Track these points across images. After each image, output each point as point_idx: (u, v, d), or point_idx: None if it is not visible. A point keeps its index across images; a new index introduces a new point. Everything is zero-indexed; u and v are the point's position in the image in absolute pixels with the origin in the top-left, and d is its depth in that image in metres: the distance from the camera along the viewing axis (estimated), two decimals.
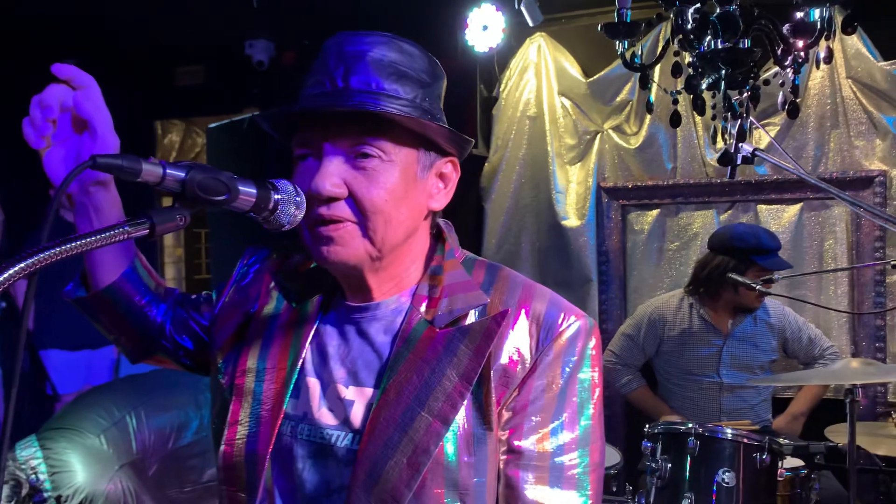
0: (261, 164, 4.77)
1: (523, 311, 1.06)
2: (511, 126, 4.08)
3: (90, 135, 1.08)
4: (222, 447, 1.08)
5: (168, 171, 0.91)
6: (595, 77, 3.91)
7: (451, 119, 1.08)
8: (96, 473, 2.11)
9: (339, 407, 1.06)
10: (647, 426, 2.64)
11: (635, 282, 3.93)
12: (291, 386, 1.08)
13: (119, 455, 2.20)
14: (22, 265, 0.74)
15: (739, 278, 2.93)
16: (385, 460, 0.99)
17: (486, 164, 4.15)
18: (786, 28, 2.25)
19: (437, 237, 1.15)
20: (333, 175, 1.01)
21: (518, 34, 4.02)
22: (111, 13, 3.93)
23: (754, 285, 2.84)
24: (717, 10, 2.15)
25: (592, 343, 1.07)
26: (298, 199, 1.02)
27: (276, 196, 1.00)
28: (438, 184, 1.11)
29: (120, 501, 2.11)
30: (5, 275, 0.72)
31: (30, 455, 2.11)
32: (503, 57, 4.09)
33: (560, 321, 1.05)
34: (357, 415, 1.04)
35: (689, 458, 2.47)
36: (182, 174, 0.91)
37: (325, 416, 1.06)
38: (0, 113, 4.12)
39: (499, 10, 3.81)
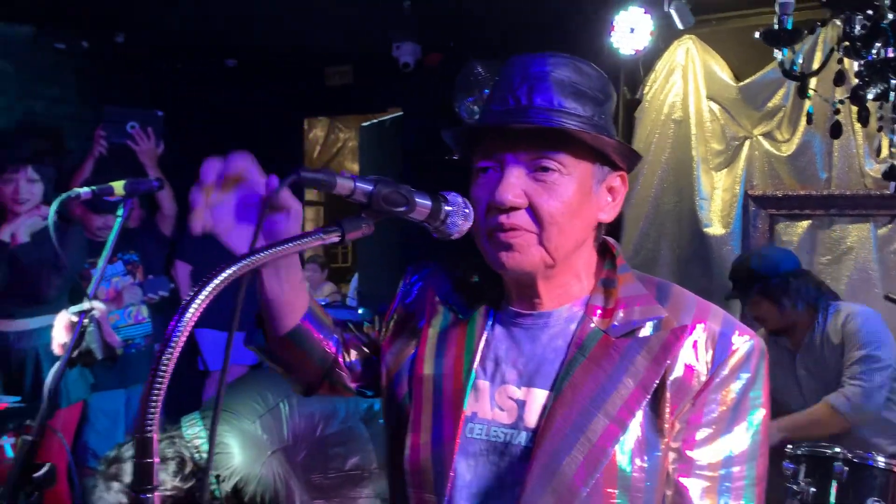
0: (402, 157, 4.95)
1: (699, 326, 1.10)
2: (654, 129, 4.01)
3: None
4: (407, 452, 1.15)
5: (358, 184, 0.99)
6: (746, 81, 3.79)
7: None
8: (251, 457, 2.22)
9: (513, 407, 1.12)
10: (789, 447, 2.55)
11: None
12: (469, 389, 1.15)
13: (272, 441, 2.31)
14: (240, 264, 0.83)
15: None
16: (562, 457, 1.05)
17: None
18: None
19: (603, 251, 1.21)
20: (515, 186, 1.07)
21: (666, 36, 3.94)
22: (266, 18, 4.16)
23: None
24: (889, 17, 2.05)
25: (764, 363, 1.10)
26: (467, 210, 1.10)
27: (447, 208, 1.08)
28: (608, 197, 1.16)
29: (271, 485, 2.22)
30: (224, 274, 0.81)
31: (195, 434, 2.24)
32: (649, 59, 4.02)
33: (735, 339, 1.09)
34: (532, 415, 1.10)
35: (835, 484, 2.37)
36: (370, 187, 1.00)
37: (498, 416, 1.13)
38: (176, 113, 4.47)
39: (647, 12, 3.75)
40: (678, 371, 1.07)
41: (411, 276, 1.33)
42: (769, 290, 2.84)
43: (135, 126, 3.93)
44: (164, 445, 2.22)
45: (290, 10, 4.01)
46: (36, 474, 1.76)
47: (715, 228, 3.86)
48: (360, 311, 4.15)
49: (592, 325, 1.12)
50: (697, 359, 1.08)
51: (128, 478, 2.08)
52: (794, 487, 2.41)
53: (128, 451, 2.15)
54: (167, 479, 2.18)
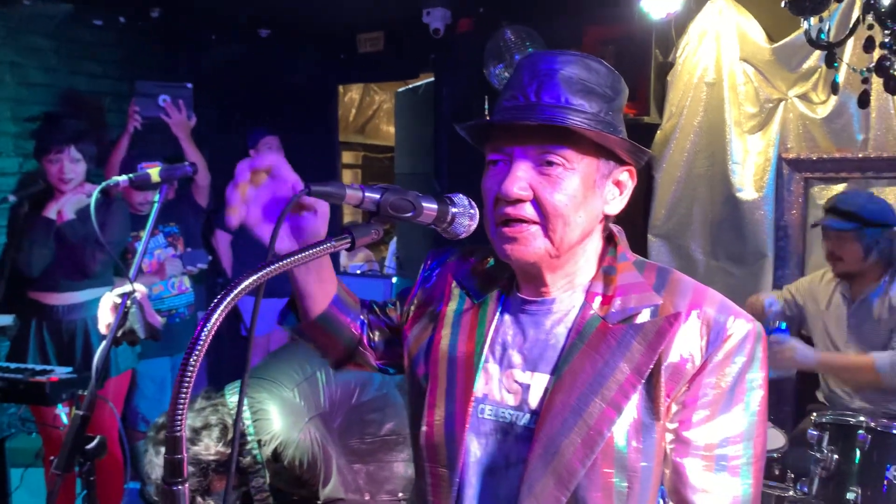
0: (435, 123, 4.98)
1: (694, 313, 1.14)
2: (687, 93, 3.97)
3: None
4: (423, 428, 1.24)
5: (366, 194, 1.07)
6: (781, 42, 3.71)
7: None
8: (290, 423, 2.34)
9: (518, 390, 1.20)
10: (815, 414, 2.59)
11: (817, 259, 3.75)
12: (479, 371, 1.22)
13: (309, 407, 2.43)
14: (254, 277, 0.90)
15: None
16: (561, 438, 1.12)
17: (658, 132, 4.08)
18: None
19: (609, 240, 1.26)
20: (521, 179, 1.13)
21: None
22: None
23: None
24: None
25: (761, 346, 1.15)
26: (472, 211, 1.17)
27: (452, 210, 1.15)
28: (614, 190, 1.21)
29: (309, 449, 2.34)
30: (240, 287, 0.88)
31: (237, 401, 2.37)
32: (681, 21, 3.96)
33: (729, 324, 1.13)
34: (534, 397, 1.18)
35: (858, 452, 2.41)
36: (377, 196, 1.08)
37: (505, 398, 1.20)
38: (213, 84, 4.54)
39: None
40: (673, 356, 1.12)
41: (431, 262, 1.40)
42: (864, 235, 2.85)
43: (166, 99, 4.01)
44: (209, 412, 2.35)
45: None
46: (88, 446, 1.88)
47: (747, 193, 3.82)
48: (394, 281, 4.24)
49: (591, 312, 1.18)
50: (692, 344, 1.13)
51: None
52: (818, 455, 2.45)
53: None
54: (211, 445, 2.31)
